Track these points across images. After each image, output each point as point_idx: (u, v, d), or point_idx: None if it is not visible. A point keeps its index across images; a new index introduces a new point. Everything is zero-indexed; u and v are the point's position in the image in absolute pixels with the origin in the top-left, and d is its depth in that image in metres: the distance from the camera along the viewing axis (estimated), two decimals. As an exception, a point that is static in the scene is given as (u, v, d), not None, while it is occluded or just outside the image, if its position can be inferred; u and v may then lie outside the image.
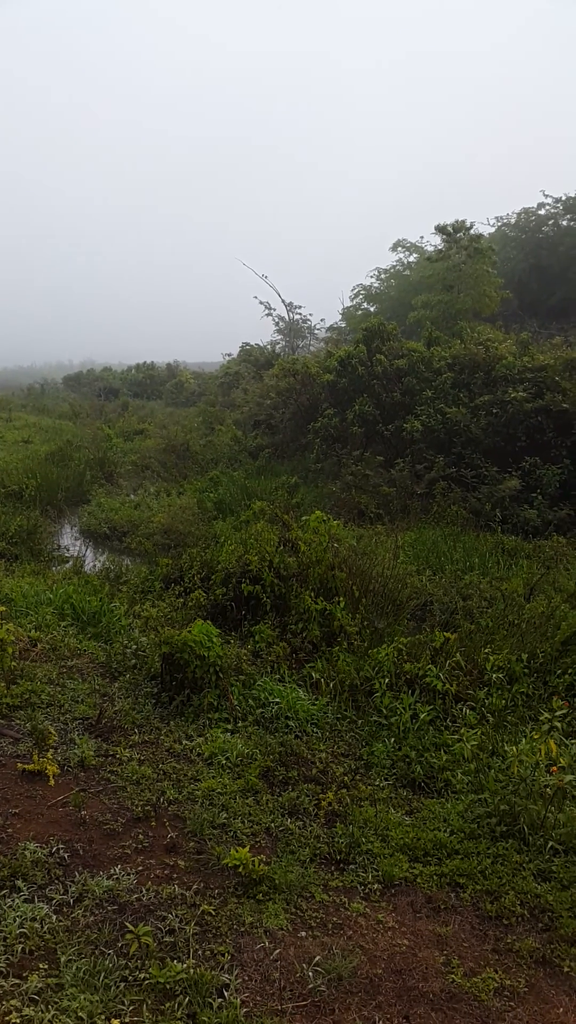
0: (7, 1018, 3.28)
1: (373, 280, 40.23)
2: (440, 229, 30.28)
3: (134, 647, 7.90)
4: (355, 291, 40.52)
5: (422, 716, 6.72)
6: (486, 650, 7.91)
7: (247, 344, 40.88)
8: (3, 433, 28.83)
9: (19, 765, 5.42)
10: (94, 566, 13.02)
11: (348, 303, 41.19)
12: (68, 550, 14.56)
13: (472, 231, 30.02)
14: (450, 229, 29.93)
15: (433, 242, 33.53)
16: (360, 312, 38.67)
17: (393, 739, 6.51)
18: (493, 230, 38.85)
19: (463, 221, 29.88)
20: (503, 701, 7.11)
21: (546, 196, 37.77)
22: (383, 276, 39.86)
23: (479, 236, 30.40)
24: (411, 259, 38.22)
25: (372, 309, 38.07)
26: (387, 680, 7.27)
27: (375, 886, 4.71)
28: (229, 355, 44.83)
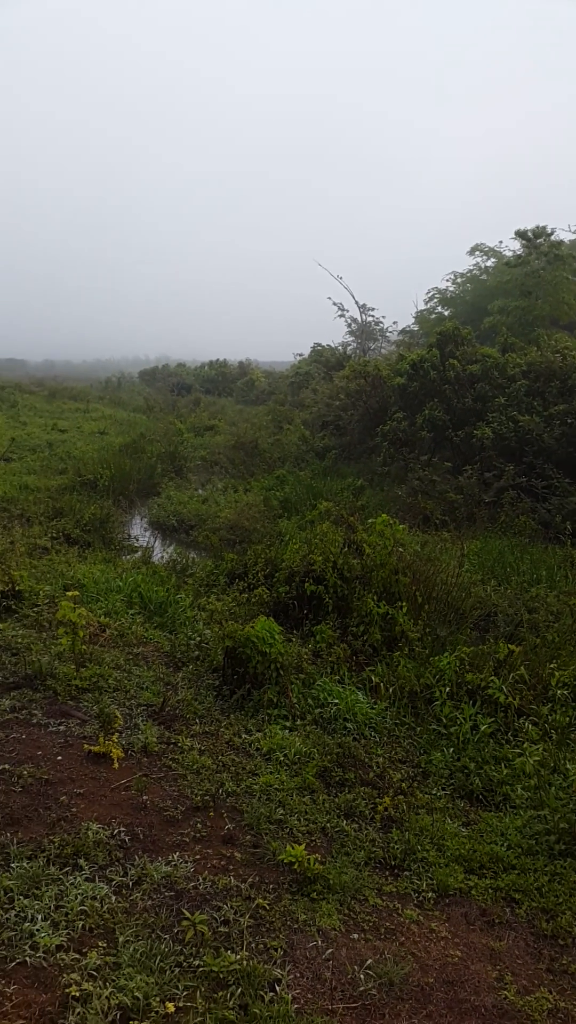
0: (67, 991, 3.40)
1: (448, 284, 39.74)
2: (520, 234, 29.73)
3: (198, 639, 8.04)
4: (429, 295, 40.09)
5: (483, 728, 6.64)
6: (551, 665, 7.75)
7: (318, 345, 40.93)
8: (81, 424, 29.59)
9: (85, 746, 5.59)
10: (162, 557, 13.26)
11: (422, 306, 40.81)
12: (137, 540, 14.86)
13: (553, 237, 29.38)
14: (530, 235, 29.35)
15: (512, 247, 32.98)
16: (434, 316, 38.23)
17: (452, 749, 6.46)
18: (575, 236, 37.91)
19: (543, 227, 29.27)
20: (567, 718, 6.96)
21: None
22: (459, 280, 39.32)
23: (560, 243, 29.71)
24: (488, 264, 37.61)
25: (446, 313, 37.59)
26: (448, 689, 7.21)
27: (429, 895, 4.69)
28: (300, 355, 44.98)
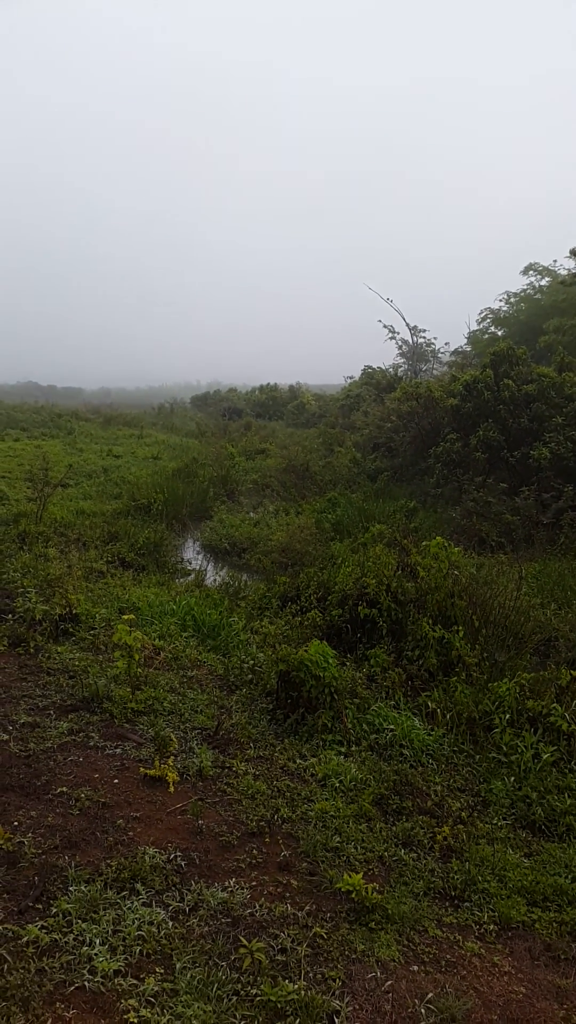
0: (126, 1016, 3.39)
1: (502, 304, 39.48)
2: (575, 253, 29.39)
3: (251, 662, 8.03)
4: (482, 315, 39.88)
5: (545, 756, 6.45)
6: (615, 691, 7.52)
7: (369, 367, 40.97)
8: (135, 450, 30.12)
9: (141, 770, 5.61)
10: (214, 580, 13.34)
11: (475, 327, 40.58)
12: (190, 563, 14.99)
13: (609, 254, 28.96)
14: (586, 252, 29.00)
15: (567, 266, 32.62)
16: (487, 336, 37.98)
17: (513, 778, 6.29)
18: (632, 253, 37.29)
19: (600, 244, 28.90)
20: (633, 747, 6.73)
21: None
22: (512, 300, 39.03)
23: (617, 259, 29.29)
24: (543, 283, 37.26)
25: (500, 333, 37.31)
26: (508, 716, 7.04)
27: (491, 927, 4.56)
28: (351, 378, 45.07)
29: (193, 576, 13.19)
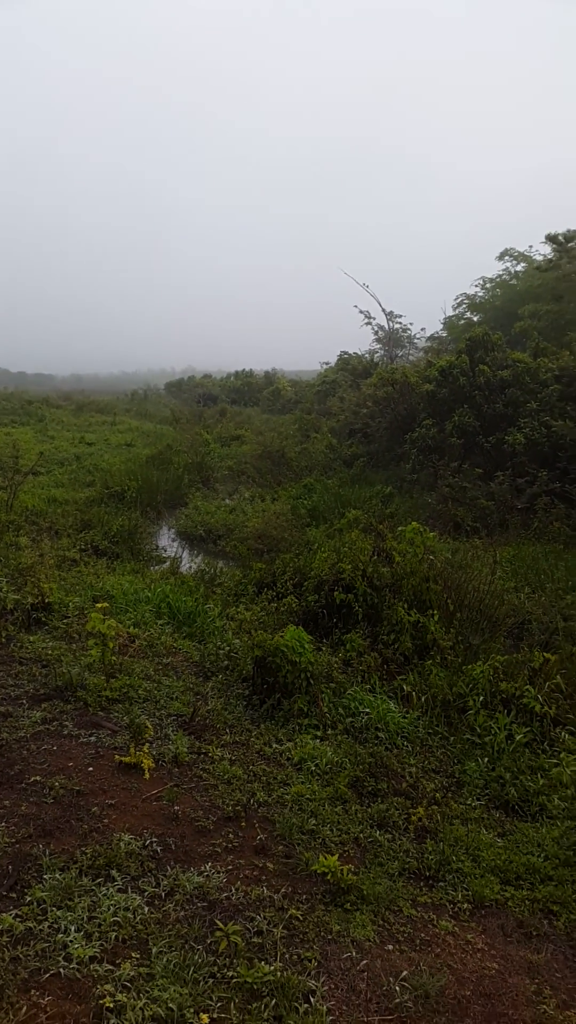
0: (101, 1002, 3.39)
1: (477, 289, 39.50)
2: (551, 238, 29.49)
3: (227, 648, 8.03)
4: (458, 300, 39.88)
5: (518, 737, 6.54)
6: (587, 673, 7.63)
7: (345, 353, 40.91)
8: (108, 436, 29.87)
9: (116, 757, 5.60)
10: (190, 567, 13.30)
11: (450, 312, 40.61)
12: (165, 551, 14.92)
13: (584, 240, 29.09)
14: (561, 239, 29.10)
15: (543, 251, 32.71)
16: (463, 322, 38.01)
17: (487, 759, 6.37)
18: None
19: (575, 231, 29.00)
20: (604, 727, 6.83)
21: None
22: (488, 285, 39.07)
23: (591, 246, 29.42)
24: (518, 268, 37.35)
25: (475, 319, 37.37)
26: (481, 698, 7.11)
27: (465, 905, 4.62)
28: (327, 363, 44.99)
29: (168, 563, 13.13)
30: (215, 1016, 3.45)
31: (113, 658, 7.11)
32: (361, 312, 41.14)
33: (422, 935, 4.29)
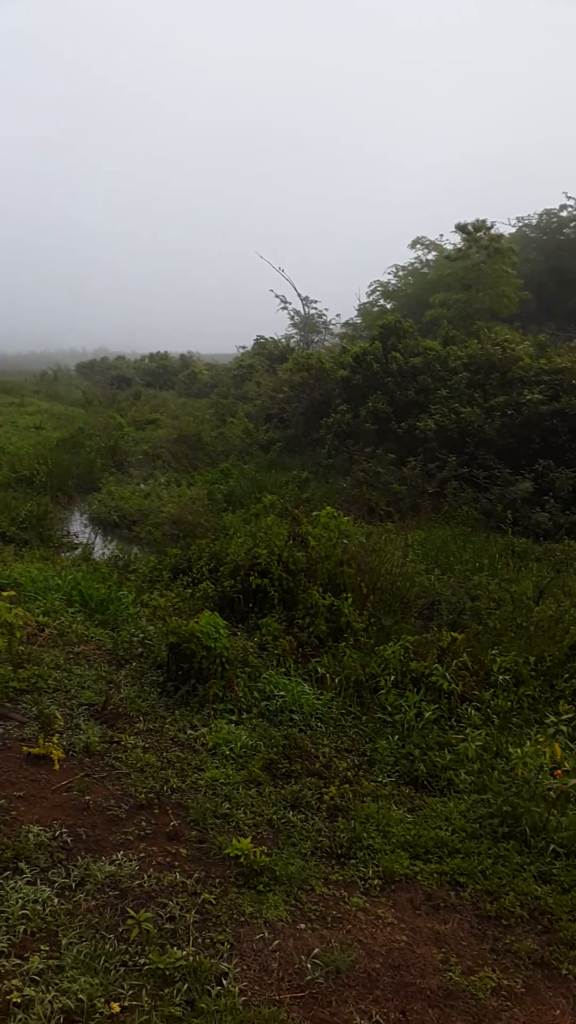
0: (8, 997, 3.31)
1: (391, 277, 40.09)
2: (460, 228, 30.16)
3: (141, 636, 7.93)
4: (372, 287, 40.39)
5: (427, 715, 6.72)
6: (493, 651, 7.91)
7: (261, 337, 40.85)
8: (16, 419, 28.93)
9: (24, 748, 5.46)
10: (103, 554, 13.06)
11: (365, 299, 41.08)
12: (77, 537, 14.61)
13: (493, 231, 29.89)
14: (470, 228, 29.81)
15: (453, 240, 33.41)
16: (376, 309, 38.53)
17: (397, 736, 6.52)
18: (514, 230, 38.62)
19: (483, 220, 29.77)
20: (509, 703, 7.10)
21: (568, 197, 37.51)
22: (401, 273, 39.70)
23: (499, 236, 30.27)
24: (430, 257, 38.04)
25: (389, 306, 37.91)
26: (393, 678, 7.27)
27: (375, 881, 4.72)
28: (243, 347, 44.83)
29: (80, 550, 12.86)
30: (127, 1004, 3.42)
31: (21, 648, 6.93)
32: (277, 296, 41.17)
33: (334, 912, 4.37)
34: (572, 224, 37.75)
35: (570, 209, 37.63)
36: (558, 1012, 3.83)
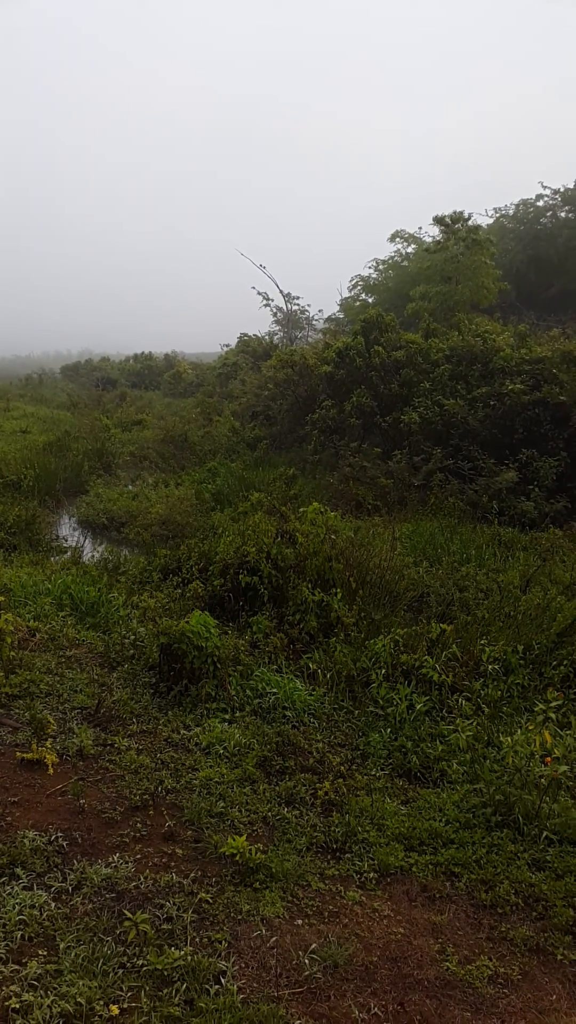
0: (6, 1003, 3.32)
1: (371, 271, 40.05)
2: (438, 220, 30.14)
3: (132, 637, 7.93)
4: (353, 282, 40.34)
5: (418, 707, 6.76)
6: (482, 641, 7.95)
7: (245, 335, 40.75)
8: (1, 423, 28.74)
9: (18, 754, 5.46)
10: (92, 556, 13.02)
11: (346, 294, 41.07)
12: (66, 540, 14.55)
13: (470, 222, 29.90)
14: (448, 220, 29.80)
15: (432, 233, 33.41)
16: (358, 303, 38.50)
17: (389, 729, 6.55)
18: (492, 221, 38.70)
19: (461, 212, 29.74)
20: (499, 692, 7.15)
21: (544, 187, 37.58)
22: (381, 267, 39.67)
23: (477, 227, 30.26)
24: (409, 250, 38.01)
25: (370, 300, 37.89)
26: (384, 671, 7.31)
27: (371, 875, 4.76)
28: (227, 346, 44.70)
29: (69, 553, 12.82)
30: (125, 1006, 3.45)
31: (12, 653, 6.92)
32: (259, 294, 41.08)
33: (330, 907, 4.41)
34: (548, 214, 37.89)
35: (546, 199, 37.77)
36: (555, 997, 3.88)
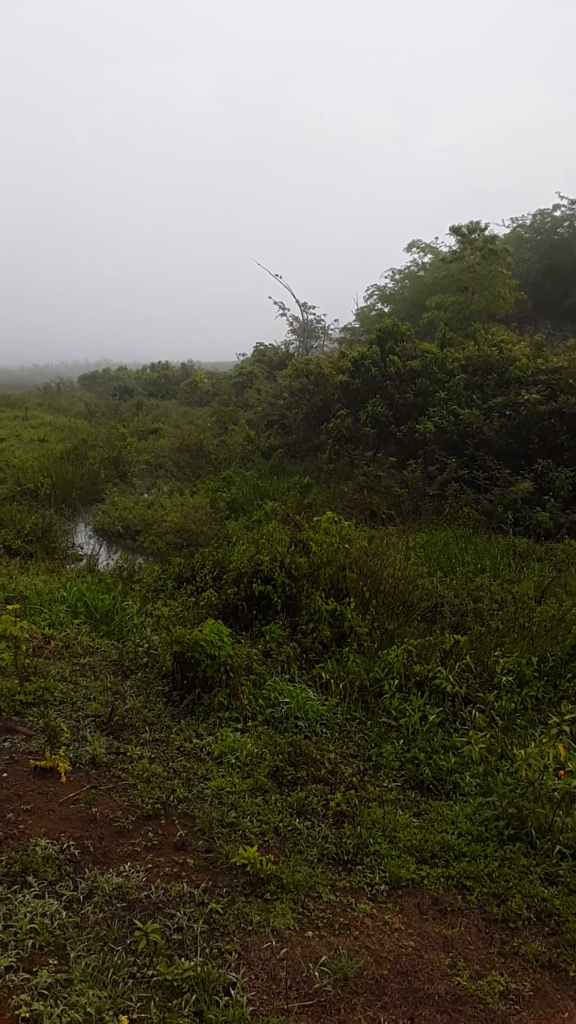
0: (17, 1012, 3.33)
1: (387, 281, 40.13)
2: (455, 230, 30.17)
3: (146, 646, 7.96)
4: (369, 292, 40.43)
5: (431, 718, 6.73)
6: (496, 653, 7.91)
7: (261, 344, 40.88)
8: (19, 432, 28.99)
9: (31, 762, 5.49)
10: (107, 564, 13.09)
11: (362, 303, 41.14)
12: (82, 548, 14.65)
13: (487, 232, 29.89)
14: (464, 230, 29.82)
15: (448, 243, 33.43)
16: (374, 313, 38.57)
17: (402, 741, 6.53)
18: (508, 231, 38.66)
19: (477, 222, 29.76)
20: (512, 704, 7.11)
21: (561, 197, 37.50)
22: (397, 277, 39.73)
23: (494, 237, 30.25)
24: (425, 260, 38.06)
25: (386, 310, 37.95)
26: (397, 682, 7.28)
27: (382, 887, 4.74)
28: (243, 355, 44.88)
29: (85, 561, 12.90)
30: (135, 1016, 3.44)
31: (27, 661, 6.96)
32: (276, 303, 41.26)
33: (341, 919, 4.39)
34: (566, 224, 37.78)
35: (563, 209, 37.67)
36: (566, 1015, 3.84)
